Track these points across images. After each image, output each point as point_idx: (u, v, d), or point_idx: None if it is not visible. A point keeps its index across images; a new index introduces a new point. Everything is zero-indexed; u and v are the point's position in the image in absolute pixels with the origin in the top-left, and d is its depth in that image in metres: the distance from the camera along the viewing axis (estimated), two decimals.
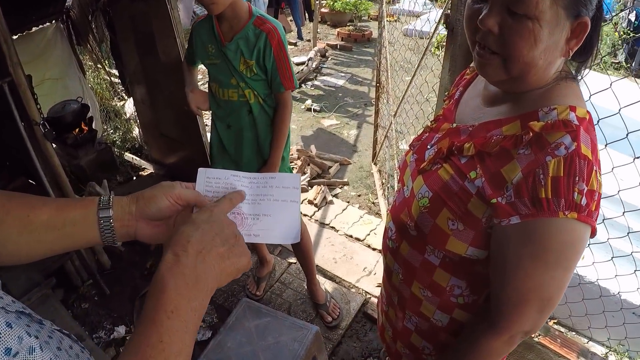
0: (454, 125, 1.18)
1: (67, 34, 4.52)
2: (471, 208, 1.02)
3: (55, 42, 4.39)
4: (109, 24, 3.95)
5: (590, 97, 1.59)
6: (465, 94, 1.27)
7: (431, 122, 1.34)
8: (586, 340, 2.66)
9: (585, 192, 0.89)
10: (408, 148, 1.36)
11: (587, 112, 0.96)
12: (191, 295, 0.67)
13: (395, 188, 3.53)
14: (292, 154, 4.60)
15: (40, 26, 4.25)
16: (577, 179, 0.88)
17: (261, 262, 3.13)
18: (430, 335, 1.30)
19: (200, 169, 0.91)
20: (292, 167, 4.45)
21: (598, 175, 0.93)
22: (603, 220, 1.92)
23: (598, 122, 1.60)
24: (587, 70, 1.04)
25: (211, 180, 0.90)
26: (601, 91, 1.55)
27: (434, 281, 1.19)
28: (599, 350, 2.61)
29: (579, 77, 1.03)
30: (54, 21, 4.34)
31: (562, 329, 2.72)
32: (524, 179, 0.92)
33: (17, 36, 4.22)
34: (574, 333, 2.72)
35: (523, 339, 1.09)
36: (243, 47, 2.11)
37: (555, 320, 2.77)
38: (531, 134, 0.93)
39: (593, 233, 0.95)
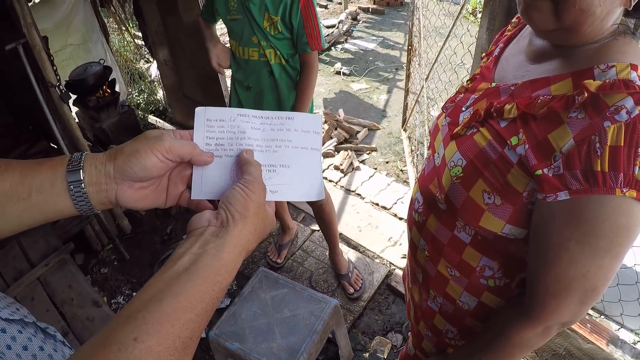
0: (493, 84, 1.03)
1: None
2: (511, 180, 0.88)
3: (78, 6, 4.32)
4: None
5: None
6: (507, 50, 1.11)
7: (467, 81, 1.18)
8: (617, 327, 2.50)
9: None
10: (440, 111, 1.21)
11: None
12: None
13: (425, 155, 3.35)
14: None
15: None
16: (639, 150, 0.74)
17: (283, 229, 3.03)
18: (455, 318, 1.18)
19: (198, 109, 0.74)
20: None
21: None
22: None
23: None
24: None
25: (213, 123, 0.73)
26: None
27: (463, 260, 1.05)
28: (628, 337, 2.45)
29: (638, 35, 0.87)
30: None
31: (593, 313, 2.55)
32: (576, 148, 0.78)
33: (38, 0, 4.16)
34: (603, 317, 2.55)
35: (559, 330, 0.95)
36: (268, 2, 1.96)
37: None
38: (586, 95, 0.78)
39: None
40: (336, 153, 4.05)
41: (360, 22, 7.69)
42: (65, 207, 0.64)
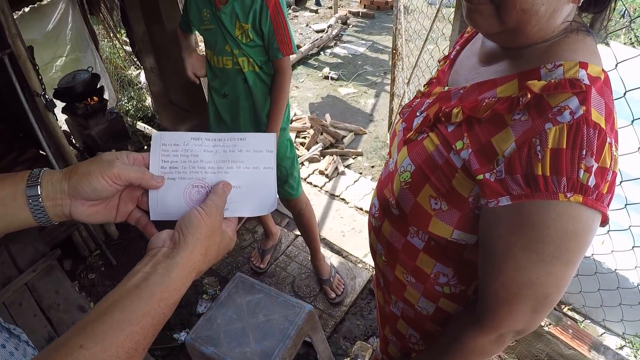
0: (446, 88, 1.02)
1: (79, 3, 4.46)
2: (456, 185, 0.87)
3: (67, 15, 4.35)
4: None
5: (616, 66, 1.39)
6: (462, 53, 1.10)
7: (424, 86, 1.19)
8: (600, 332, 2.49)
9: (594, 169, 0.72)
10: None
11: (603, 71, 0.78)
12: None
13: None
14: (305, 123, 4.48)
15: None
16: (583, 152, 0.71)
17: (266, 234, 3.05)
18: (417, 323, 1.19)
19: (154, 134, 0.78)
20: (305, 137, 4.34)
21: (613, 149, 0.75)
22: (625, 205, 1.74)
23: (624, 95, 1.42)
24: (603, 23, 0.85)
25: (168, 147, 0.77)
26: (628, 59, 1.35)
27: (417, 266, 1.06)
28: (612, 341, 2.43)
29: (595, 32, 0.84)
30: None
31: (577, 316, 2.56)
32: (517, 151, 0.76)
33: (28, 8, 4.18)
34: (588, 321, 2.55)
35: (515, 338, 0.95)
36: (238, 10, 1.99)
37: (570, 307, 2.60)
38: (529, 96, 0.76)
39: (604, 221, 0.79)
40: (321, 158, 4.07)
41: (350, 26, 7.70)
42: (26, 219, 0.70)
